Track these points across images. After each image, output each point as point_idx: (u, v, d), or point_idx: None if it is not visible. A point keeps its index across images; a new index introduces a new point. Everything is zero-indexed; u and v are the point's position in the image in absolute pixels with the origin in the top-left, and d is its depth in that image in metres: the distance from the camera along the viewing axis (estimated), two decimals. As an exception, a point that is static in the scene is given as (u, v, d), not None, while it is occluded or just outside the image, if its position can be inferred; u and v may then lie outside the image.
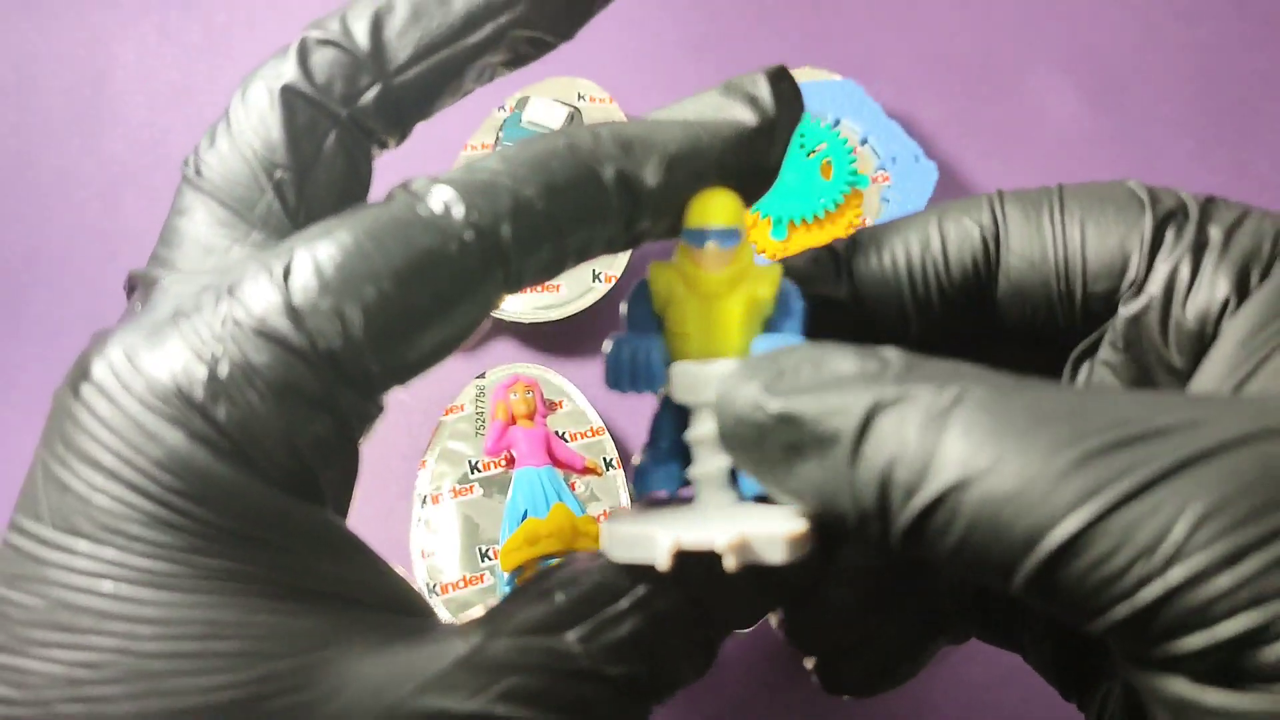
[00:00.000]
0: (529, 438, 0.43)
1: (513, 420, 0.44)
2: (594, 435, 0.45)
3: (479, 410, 0.45)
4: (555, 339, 0.49)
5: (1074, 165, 0.53)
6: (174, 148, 0.53)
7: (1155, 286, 0.19)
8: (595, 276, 0.47)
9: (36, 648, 0.15)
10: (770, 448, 0.16)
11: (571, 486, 0.43)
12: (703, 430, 0.18)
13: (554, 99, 0.47)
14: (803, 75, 0.51)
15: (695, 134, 0.17)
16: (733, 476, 0.18)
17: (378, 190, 0.19)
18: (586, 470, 0.44)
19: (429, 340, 0.16)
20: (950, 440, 0.14)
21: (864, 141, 0.49)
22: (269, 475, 0.16)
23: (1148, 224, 0.19)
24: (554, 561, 0.40)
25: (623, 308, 0.19)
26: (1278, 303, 0.18)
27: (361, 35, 0.18)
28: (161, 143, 0.53)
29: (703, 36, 0.55)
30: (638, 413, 0.48)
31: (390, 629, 0.17)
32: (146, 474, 0.15)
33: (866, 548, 0.20)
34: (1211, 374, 0.18)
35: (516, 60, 0.19)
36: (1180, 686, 0.14)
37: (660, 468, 0.19)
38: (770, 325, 0.18)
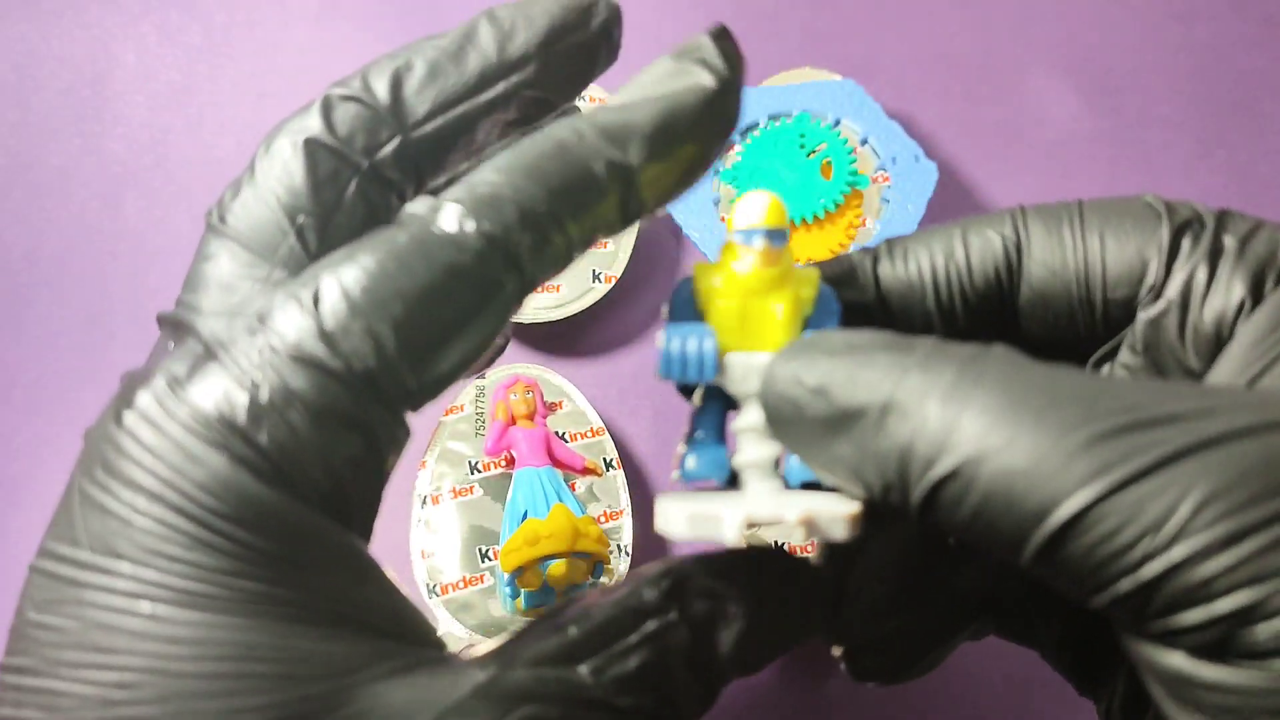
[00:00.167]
0: (529, 438, 0.43)
1: (513, 420, 0.44)
2: (594, 435, 0.45)
3: (479, 410, 0.45)
4: (555, 339, 0.49)
5: (1073, 165, 0.53)
6: (174, 148, 0.53)
7: (1173, 291, 0.19)
8: (595, 277, 0.47)
9: (68, 669, 0.15)
10: (808, 422, 0.17)
11: (572, 486, 0.43)
12: (750, 419, 0.19)
13: (554, 99, 0.47)
14: (803, 75, 0.51)
15: (666, 108, 0.18)
16: (777, 466, 0.19)
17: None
18: (586, 470, 0.44)
19: (457, 352, 0.17)
20: (968, 417, 0.15)
21: (864, 141, 0.49)
22: (307, 497, 0.16)
23: (1165, 232, 0.20)
24: (553, 561, 0.40)
25: (664, 309, 0.20)
26: None
27: (382, 91, 0.19)
28: (162, 143, 0.53)
29: (703, 37, 0.55)
30: (638, 413, 0.48)
31: (410, 657, 0.17)
32: (189, 496, 0.16)
33: (898, 543, 0.22)
34: (1225, 371, 0.18)
35: (524, 120, 0.20)
36: (1178, 661, 0.14)
37: (708, 455, 0.20)
38: (810, 324, 0.20)
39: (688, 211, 0.47)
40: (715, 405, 0.20)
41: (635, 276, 0.49)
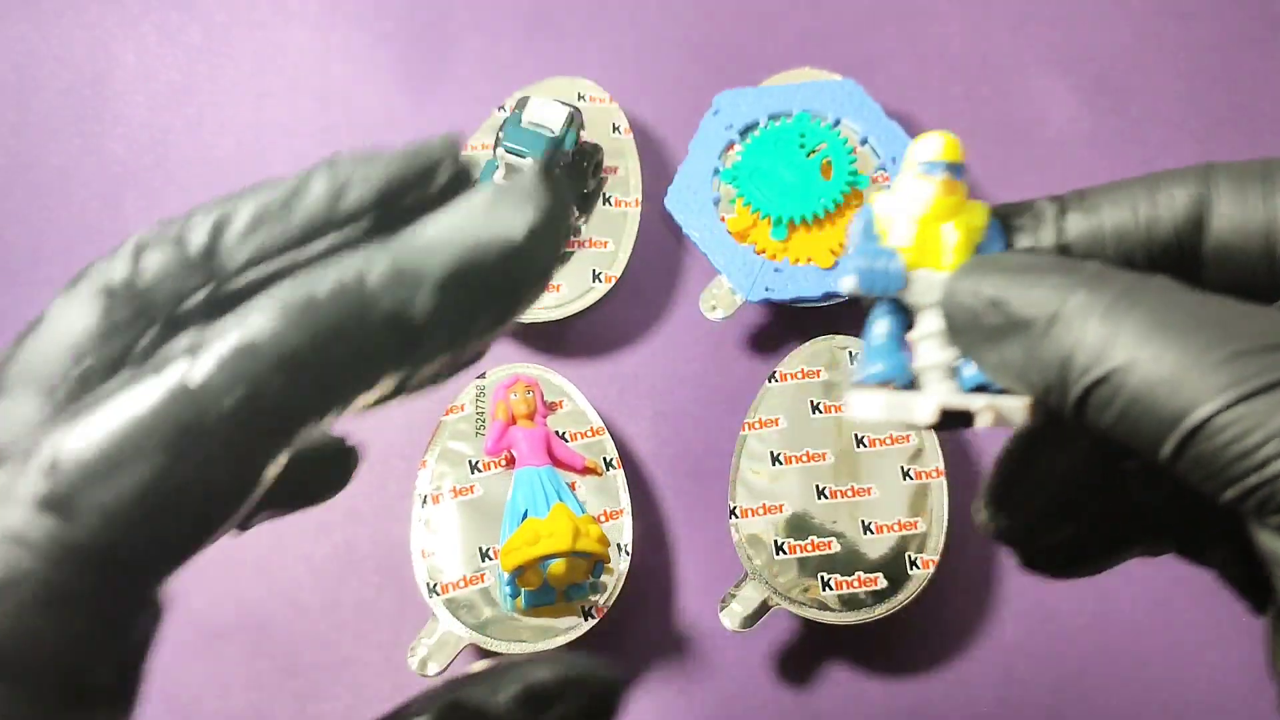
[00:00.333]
0: (529, 438, 0.43)
1: (513, 420, 0.44)
2: (594, 435, 0.45)
3: (479, 410, 0.45)
4: (555, 339, 0.49)
5: (1073, 165, 0.53)
6: (174, 148, 0.53)
7: None
8: (595, 277, 0.47)
9: None
10: (983, 329, 0.20)
11: (572, 486, 0.43)
12: (929, 327, 0.22)
13: (554, 99, 0.47)
14: (803, 75, 0.51)
15: (466, 253, 0.17)
16: (952, 371, 0.22)
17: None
18: (586, 470, 0.44)
19: (196, 521, 0.16)
20: (1122, 332, 0.17)
21: (864, 141, 0.49)
22: (39, 692, 0.15)
23: None
24: (553, 561, 0.40)
25: (853, 225, 0.23)
26: None
27: (198, 239, 0.18)
28: (161, 143, 0.53)
29: (703, 36, 0.55)
30: (638, 413, 0.48)
31: None
32: None
33: (1068, 458, 0.23)
34: None
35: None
36: None
37: (894, 359, 0.22)
38: (980, 250, 0.22)
39: (688, 211, 0.47)
40: (895, 314, 0.23)
41: (635, 276, 0.49)
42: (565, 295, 0.47)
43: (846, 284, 0.22)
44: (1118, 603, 0.45)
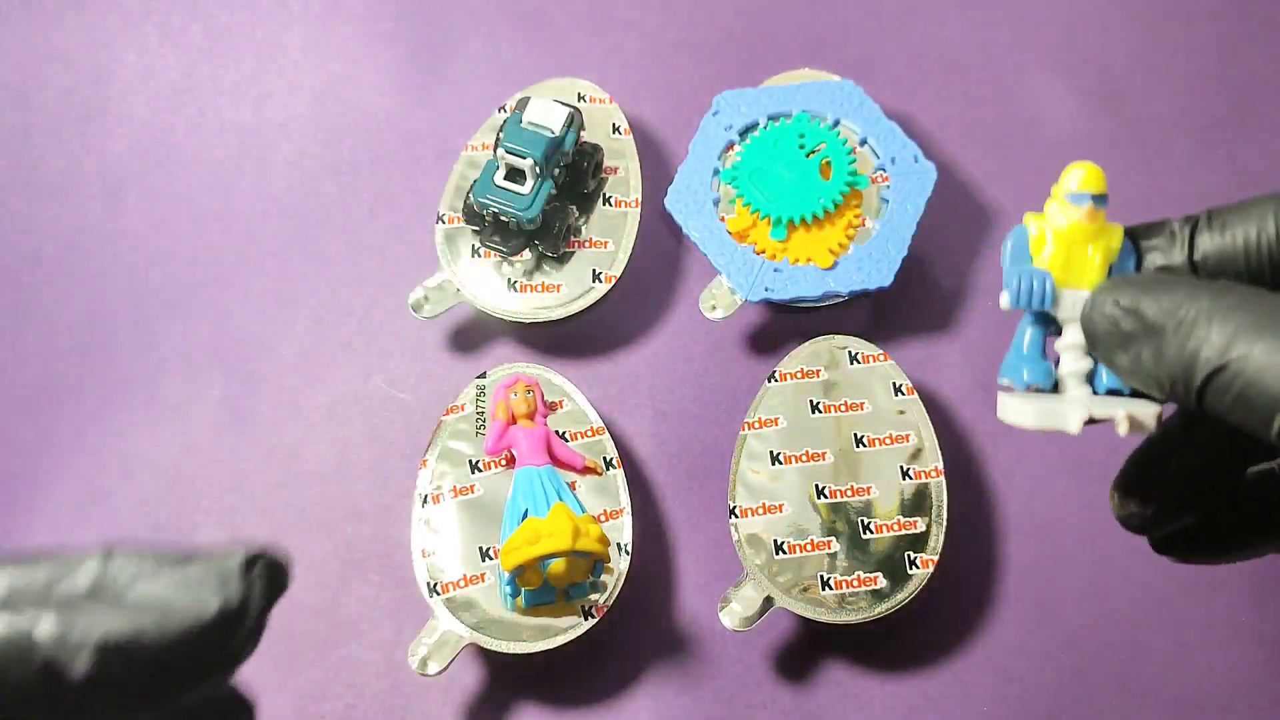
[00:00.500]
0: (529, 437, 0.43)
1: (513, 420, 0.44)
2: (594, 435, 0.45)
3: (479, 410, 0.45)
4: (555, 339, 0.49)
5: (1073, 165, 0.53)
6: (175, 148, 0.53)
7: None
8: (595, 276, 0.48)
9: None
10: (1120, 335, 0.23)
11: (572, 486, 0.43)
12: (1071, 339, 0.25)
13: (554, 99, 0.47)
14: (803, 75, 0.51)
15: (139, 624, 0.17)
16: (1088, 377, 0.25)
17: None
18: (586, 470, 0.44)
19: None
20: (1240, 331, 0.20)
21: (864, 142, 0.49)
22: None
23: None
24: (553, 560, 0.40)
25: (1005, 248, 0.26)
26: None
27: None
28: (163, 143, 0.53)
29: (703, 37, 0.55)
30: (638, 413, 0.48)
31: None
32: None
33: (1199, 455, 0.26)
34: None
35: None
36: None
37: (1041, 368, 0.26)
38: (1113, 270, 0.26)
39: (687, 212, 0.47)
40: (1040, 326, 0.26)
41: (635, 276, 0.49)
42: (565, 295, 0.47)
43: (1004, 300, 0.26)
44: (1118, 603, 0.45)
